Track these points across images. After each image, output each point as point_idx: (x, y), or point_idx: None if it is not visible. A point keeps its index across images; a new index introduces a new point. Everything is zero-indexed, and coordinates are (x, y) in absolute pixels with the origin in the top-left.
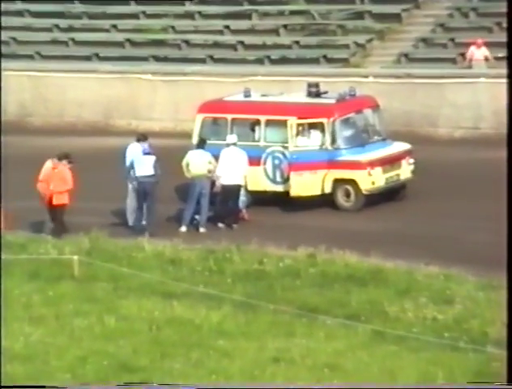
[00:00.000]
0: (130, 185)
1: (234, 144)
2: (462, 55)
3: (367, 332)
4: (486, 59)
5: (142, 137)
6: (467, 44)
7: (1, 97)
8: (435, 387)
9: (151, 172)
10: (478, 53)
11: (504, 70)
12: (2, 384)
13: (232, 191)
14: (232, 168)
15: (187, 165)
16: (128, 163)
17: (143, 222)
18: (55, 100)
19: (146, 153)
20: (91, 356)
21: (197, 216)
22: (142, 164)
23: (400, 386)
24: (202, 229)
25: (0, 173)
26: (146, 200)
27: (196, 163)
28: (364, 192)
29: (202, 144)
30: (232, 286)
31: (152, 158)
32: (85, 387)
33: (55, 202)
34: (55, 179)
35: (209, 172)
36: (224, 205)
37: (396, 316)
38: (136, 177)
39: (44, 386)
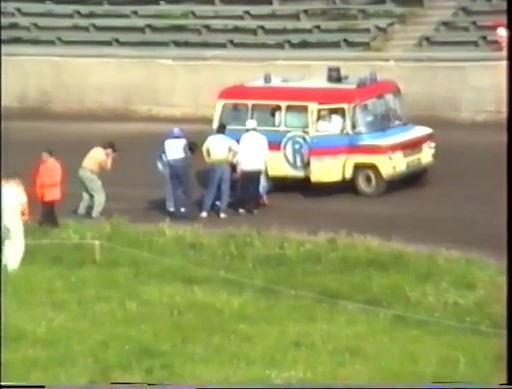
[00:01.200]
0: (165, 172)
1: (254, 129)
2: (484, 38)
3: (388, 317)
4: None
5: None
6: (491, 28)
7: (1, 82)
8: (435, 387)
9: (181, 155)
10: (500, 35)
11: None
12: (2, 384)
13: (253, 177)
14: (253, 153)
15: (207, 151)
16: (161, 150)
17: (182, 208)
18: (76, 85)
19: (175, 136)
20: (113, 340)
21: (217, 202)
22: (173, 147)
23: (401, 387)
24: (222, 215)
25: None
26: (180, 184)
27: (216, 148)
28: (385, 177)
29: (222, 130)
30: (253, 271)
31: (182, 141)
32: (85, 387)
33: (46, 198)
34: (44, 174)
35: (229, 157)
36: (245, 190)
37: (417, 300)
38: (168, 161)
39: (44, 386)
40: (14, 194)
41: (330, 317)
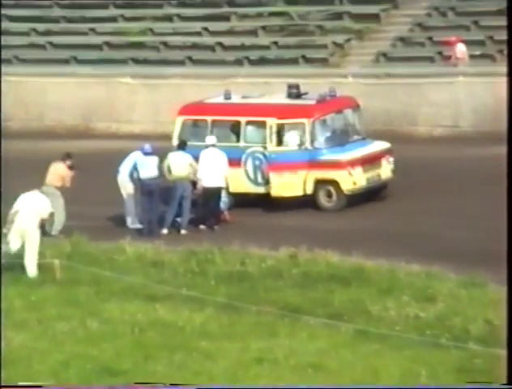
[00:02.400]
0: (127, 190)
1: (213, 145)
2: (440, 54)
3: (350, 331)
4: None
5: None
6: (446, 43)
7: (1, 101)
8: (435, 388)
9: (155, 173)
10: (461, 50)
11: (482, 69)
12: (2, 384)
13: (214, 193)
14: (213, 169)
15: (168, 168)
16: (130, 167)
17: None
18: (34, 103)
19: (147, 153)
20: (74, 360)
21: (178, 219)
22: (146, 165)
23: (402, 387)
24: (183, 231)
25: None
26: (151, 201)
27: (177, 165)
28: (345, 192)
29: (182, 146)
30: (215, 288)
31: (155, 159)
32: (85, 387)
33: None
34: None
35: (190, 174)
36: (206, 207)
37: (379, 315)
38: (140, 179)
39: (42, 387)
40: (37, 203)
41: (293, 332)
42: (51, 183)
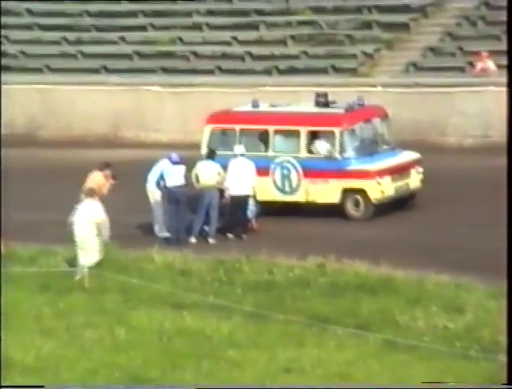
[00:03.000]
0: (156, 198)
1: (242, 155)
2: (471, 64)
3: (378, 341)
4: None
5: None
6: (476, 55)
7: (0, 110)
8: (436, 388)
9: (181, 181)
10: (488, 64)
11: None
12: (2, 384)
13: (241, 202)
14: (241, 178)
15: (196, 177)
16: (157, 175)
17: (179, 232)
18: (64, 112)
19: (175, 162)
20: (102, 368)
21: (206, 227)
22: (173, 174)
23: (403, 387)
24: (211, 240)
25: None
26: (178, 210)
27: (205, 174)
28: (373, 201)
29: (211, 155)
30: (243, 296)
31: (182, 168)
32: (85, 387)
33: None
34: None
35: (218, 183)
36: (234, 216)
37: (407, 325)
38: (167, 187)
39: (43, 386)
40: (91, 210)
41: (320, 342)
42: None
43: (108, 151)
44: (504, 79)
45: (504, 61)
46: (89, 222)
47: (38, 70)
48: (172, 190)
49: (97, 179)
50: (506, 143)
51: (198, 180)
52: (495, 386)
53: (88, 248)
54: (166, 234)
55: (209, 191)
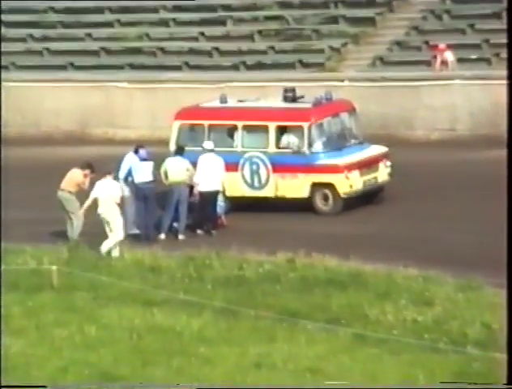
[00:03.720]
0: (124, 194)
1: (211, 150)
2: (435, 57)
3: (348, 336)
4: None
5: (140, 146)
6: (435, 48)
7: (1, 108)
8: (436, 388)
9: (150, 178)
10: (446, 56)
11: (478, 72)
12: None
13: (210, 197)
14: (210, 174)
15: (165, 173)
16: (125, 171)
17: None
18: (31, 110)
19: (143, 159)
20: (72, 365)
21: (175, 224)
22: (141, 170)
23: (401, 387)
24: (181, 236)
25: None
26: (146, 206)
27: (174, 170)
28: (342, 196)
29: (180, 151)
30: (213, 292)
31: (150, 164)
32: (85, 387)
33: None
34: None
35: (187, 179)
36: (203, 212)
37: (376, 319)
38: (135, 183)
39: (43, 386)
40: (110, 188)
41: (291, 337)
42: (66, 187)
43: (76, 149)
44: (470, 72)
45: (470, 54)
46: (110, 200)
47: (4, 68)
48: (140, 187)
49: (75, 176)
50: (506, 138)
51: (166, 176)
52: (495, 386)
53: (108, 224)
54: (135, 231)
55: (178, 187)
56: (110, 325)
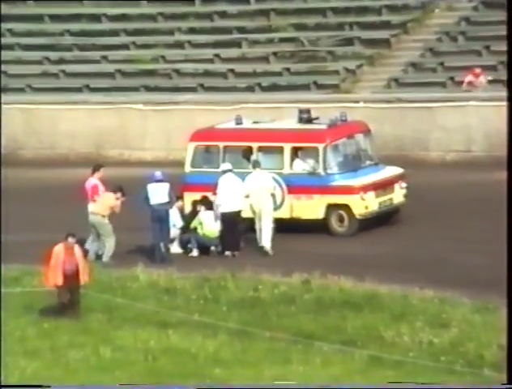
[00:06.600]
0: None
1: (230, 171)
2: (451, 79)
3: (363, 358)
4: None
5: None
6: (468, 70)
7: (0, 129)
8: (436, 387)
9: (166, 199)
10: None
11: (493, 93)
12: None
13: (233, 218)
14: (231, 194)
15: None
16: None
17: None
18: (47, 132)
19: (158, 180)
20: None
21: (190, 245)
22: (157, 191)
23: (405, 387)
24: (195, 253)
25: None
26: (161, 227)
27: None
28: (357, 217)
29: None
30: (228, 314)
31: (166, 185)
32: (85, 387)
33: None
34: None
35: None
36: (229, 233)
37: (392, 341)
38: (150, 205)
39: (43, 386)
40: (265, 181)
41: (306, 358)
42: (99, 212)
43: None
44: (485, 94)
45: (485, 76)
46: (265, 192)
47: (20, 90)
48: (155, 208)
49: (108, 200)
50: (506, 158)
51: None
52: (495, 387)
53: (265, 216)
54: (179, 250)
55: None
56: (125, 347)
